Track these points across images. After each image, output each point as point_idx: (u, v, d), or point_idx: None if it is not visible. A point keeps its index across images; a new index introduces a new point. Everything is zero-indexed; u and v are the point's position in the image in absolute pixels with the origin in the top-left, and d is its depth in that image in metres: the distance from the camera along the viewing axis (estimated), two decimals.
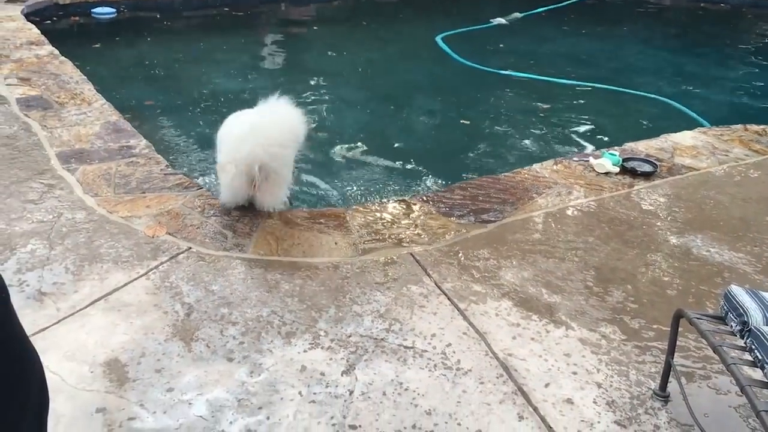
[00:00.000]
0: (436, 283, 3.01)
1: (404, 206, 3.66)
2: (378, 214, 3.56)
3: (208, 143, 4.84)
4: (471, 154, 4.87)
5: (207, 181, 4.16)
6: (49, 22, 7.13)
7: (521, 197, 3.80)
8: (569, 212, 3.68)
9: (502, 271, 3.13)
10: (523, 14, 8.72)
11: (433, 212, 3.61)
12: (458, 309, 2.85)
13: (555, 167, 4.18)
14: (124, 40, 7.06)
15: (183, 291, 2.86)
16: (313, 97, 5.81)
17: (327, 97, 5.81)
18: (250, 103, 5.49)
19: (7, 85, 4.90)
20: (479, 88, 6.18)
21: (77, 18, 7.44)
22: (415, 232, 3.41)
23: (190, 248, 3.17)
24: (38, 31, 6.19)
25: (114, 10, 7.61)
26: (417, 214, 3.57)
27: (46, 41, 5.95)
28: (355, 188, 4.29)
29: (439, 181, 4.40)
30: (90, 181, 3.69)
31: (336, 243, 3.28)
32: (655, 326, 2.78)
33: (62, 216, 3.34)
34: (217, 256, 3.12)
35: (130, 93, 5.63)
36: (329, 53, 7.19)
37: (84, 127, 4.32)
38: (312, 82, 6.13)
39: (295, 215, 3.51)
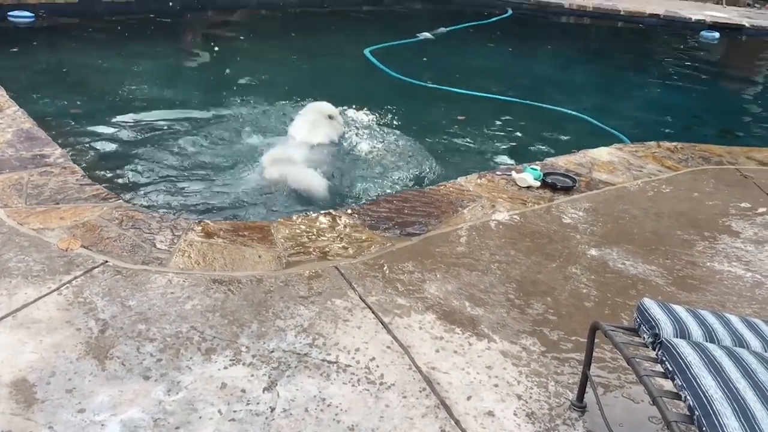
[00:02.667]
0: (360, 297, 3.00)
1: (330, 219, 3.65)
2: (303, 227, 3.53)
3: (127, 152, 4.72)
4: (397, 167, 4.89)
5: (125, 192, 4.02)
6: None
7: (446, 210, 3.84)
8: (492, 225, 3.74)
9: (426, 284, 3.15)
10: (448, 29, 8.86)
11: (359, 225, 3.60)
12: (382, 323, 2.85)
13: (479, 181, 4.25)
14: (42, 45, 6.79)
15: (98, 306, 2.75)
16: (236, 108, 5.73)
17: (252, 109, 5.74)
18: (173, 112, 5.43)
19: None
20: (406, 101, 6.24)
21: None
22: (341, 245, 3.39)
23: (107, 262, 3.06)
24: None
25: (32, 14, 7.30)
26: (342, 227, 3.56)
27: None
28: (279, 201, 4.23)
29: (366, 194, 4.40)
30: (0, 192, 3.52)
31: (260, 256, 3.23)
32: (573, 338, 2.85)
33: None
34: (135, 270, 3.02)
35: (48, 100, 5.42)
36: (255, 63, 7.13)
37: None
38: (237, 92, 6.06)
39: (218, 228, 3.44)
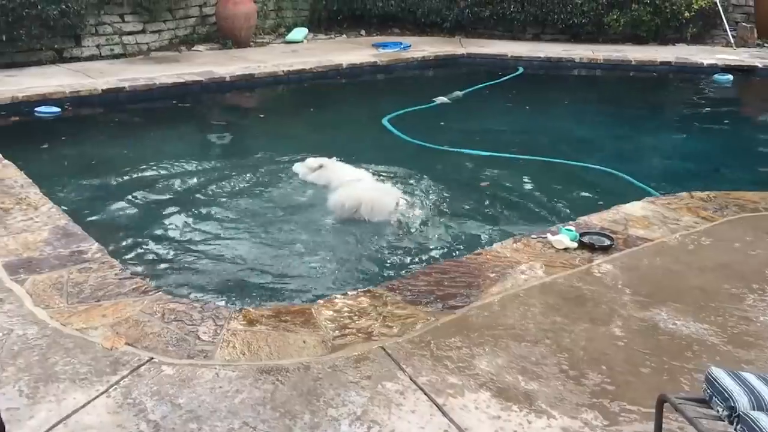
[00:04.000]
0: (411, 378, 2.94)
1: (370, 297, 3.61)
2: (345, 307, 3.49)
3: (162, 240, 4.75)
4: (429, 236, 4.87)
5: (164, 282, 4.03)
6: None
7: (486, 279, 3.79)
8: (534, 292, 3.68)
9: (476, 359, 3.09)
10: (464, 92, 8.97)
11: (400, 301, 3.56)
12: (436, 404, 2.78)
13: (515, 246, 4.21)
14: (70, 138, 6.93)
15: (147, 407, 2.71)
16: (262, 187, 5.77)
17: (277, 187, 5.78)
18: (200, 196, 5.48)
19: None
20: (428, 168, 6.23)
21: (18, 118, 7.30)
22: (384, 323, 3.35)
23: (152, 358, 3.03)
24: None
25: (58, 108, 7.48)
26: (383, 305, 3.52)
27: None
28: (316, 280, 4.21)
29: (401, 267, 4.37)
30: (41, 292, 3.53)
31: (304, 341, 3.19)
32: (635, 408, 2.75)
33: (12, 333, 3.17)
34: (181, 365, 2.99)
35: (79, 193, 5.50)
36: (276, 140, 7.21)
37: (31, 234, 4.17)
38: (262, 170, 6.10)
39: (259, 314, 3.41)
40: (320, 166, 5.74)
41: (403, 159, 6.45)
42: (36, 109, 7.45)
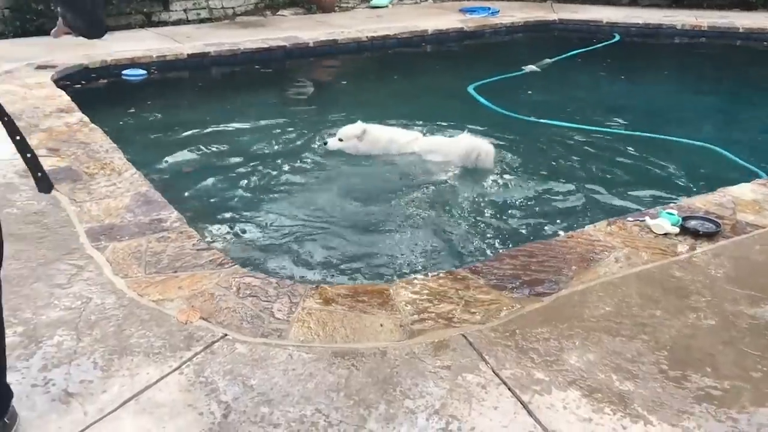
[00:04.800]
0: (493, 371, 2.75)
1: (451, 279, 3.41)
2: (424, 289, 3.31)
3: (239, 210, 4.68)
4: (514, 215, 4.61)
5: (240, 254, 3.95)
6: (79, 86, 7.10)
7: (577, 265, 3.53)
8: (631, 281, 3.40)
9: (565, 353, 2.86)
10: (554, 59, 8.53)
11: (483, 285, 3.35)
12: (521, 402, 2.58)
13: (609, 229, 3.91)
14: (155, 103, 7.00)
15: (219, 387, 2.63)
16: (342, 158, 5.63)
17: (358, 157, 5.63)
18: (282, 165, 5.39)
19: None
20: (515, 140, 5.96)
21: (107, 81, 7.42)
22: (466, 309, 3.15)
23: (226, 335, 2.95)
24: (68, 98, 6.14)
25: (144, 71, 7.57)
26: (465, 288, 3.32)
27: (76, 108, 5.88)
28: (395, 259, 4.05)
29: (485, 249, 4.15)
30: (120, 260, 3.51)
31: (381, 324, 3.03)
32: (743, 417, 2.48)
33: (91, 301, 3.15)
34: (255, 344, 2.89)
35: (161, 159, 5.51)
36: (358, 108, 7.05)
37: (114, 200, 4.18)
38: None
39: (335, 293, 3.28)
40: (364, 132, 5.55)
41: (488, 129, 6.16)
42: (123, 72, 7.55)
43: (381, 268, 3.92)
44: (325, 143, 5.64)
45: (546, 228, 4.36)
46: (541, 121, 6.41)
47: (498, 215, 4.64)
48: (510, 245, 4.09)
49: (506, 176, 5.24)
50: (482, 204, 4.79)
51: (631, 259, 3.59)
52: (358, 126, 5.59)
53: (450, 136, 5.79)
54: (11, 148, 4.57)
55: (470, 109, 6.96)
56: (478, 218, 4.59)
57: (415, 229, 4.44)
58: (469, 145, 5.37)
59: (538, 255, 3.64)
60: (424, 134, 5.88)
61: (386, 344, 2.91)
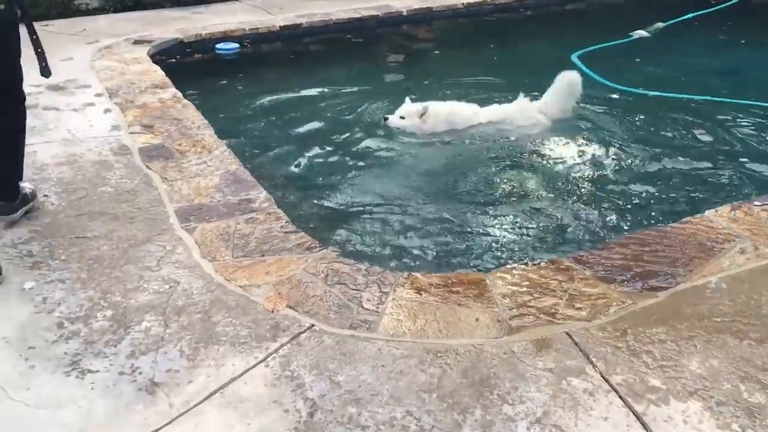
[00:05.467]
0: (602, 375, 2.49)
1: (554, 269, 3.15)
2: (524, 280, 3.06)
3: (327, 192, 4.53)
4: (624, 197, 4.24)
5: (328, 238, 3.80)
6: (173, 60, 7.14)
7: (696, 255, 3.18)
8: (760, 275, 3.03)
9: (684, 358, 2.56)
10: (666, 23, 7.90)
11: (590, 277, 3.07)
12: (634, 413, 2.32)
13: (733, 214, 3.52)
14: (247, 75, 6.93)
15: (305, 382, 2.50)
16: (436, 137, 5.37)
17: (452, 132, 5.36)
18: (371, 140, 5.21)
19: (130, 133, 4.82)
20: (625, 113, 5.51)
21: (201, 55, 7.43)
22: (570, 303, 2.89)
23: (313, 326, 2.82)
24: (163, 74, 6.16)
25: (237, 45, 7.53)
26: (570, 280, 3.05)
27: (170, 84, 5.90)
28: (492, 245, 3.80)
29: (591, 236, 3.83)
30: (208, 242, 3.44)
31: (477, 319, 2.82)
32: None
33: (179, 285, 3.09)
34: (343, 336, 2.75)
35: (251, 135, 5.44)
36: (454, 79, 6.75)
37: (204, 179, 4.12)
38: None
39: (428, 282, 3.08)
40: (426, 109, 5.29)
41: (593, 102, 5.76)
42: (217, 46, 7.54)
43: (474, 255, 3.69)
44: (386, 119, 5.40)
45: (659, 212, 3.98)
46: (651, 93, 5.91)
47: (602, 197, 4.29)
48: (618, 232, 3.77)
49: (611, 153, 4.85)
50: (582, 183, 4.45)
51: (760, 249, 3.21)
52: (420, 104, 5.36)
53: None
54: (107, 127, 4.56)
55: None
56: (579, 200, 4.26)
57: (508, 211, 4.17)
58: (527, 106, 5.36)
59: (651, 243, 3.31)
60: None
61: (482, 341, 2.70)
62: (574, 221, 3.98)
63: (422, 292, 3.00)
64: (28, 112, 4.94)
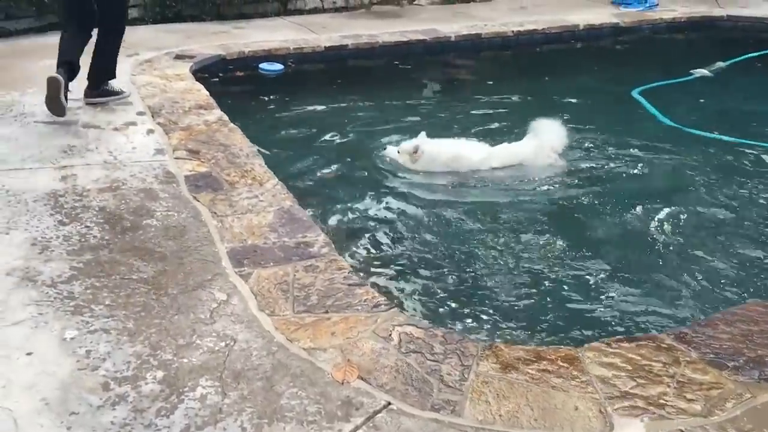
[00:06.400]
0: None
1: (653, 347, 2.81)
2: (623, 360, 2.72)
3: (387, 232, 4.22)
4: (715, 260, 3.89)
5: (393, 290, 3.49)
6: (216, 79, 6.89)
7: None
8: None
9: None
10: (727, 63, 7.58)
11: (697, 360, 2.73)
12: None
13: None
14: (292, 98, 6.64)
15: None
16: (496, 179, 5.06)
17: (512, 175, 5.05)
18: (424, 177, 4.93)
19: (175, 158, 4.54)
20: (697, 160, 5.17)
21: (244, 74, 7.18)
22: (680, 393, 2.55)
23: (389, 404, 2.49)
24: (207, 93, 5.90)
25: (282, 66, 7.26)
26: (676, 363, 2.71)
27: (215, 104, 5.63)
28: (575, 307, 3.46)
29: (687, 304, 3.48)
30: (265, 293, 3.13)
31: (576, 408, 2.48)
32: None
33: (236, 344, 2.79)
34: (425, 420, 2.42)
35: (301, 163, 5.16)
36: (508, 112, 6.44)
37: (256, 216, 3.83)
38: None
39: (513, 356, 2.75)
40: (416, 148, 5.04)
41: (657, 144, 5.44)
42: (260, 66, 7.28)
43: (555, 319, 3.35)
44: (384, 149, 5.23)
45: (763, 283, 3.62)
46: (725, 138, 5.56)
47: (694, 258, 3.92)
48: (715, 303, 3.41)
49: (689, 204, 4.51)
50: (669, 241, 4.10)
51: None
52: (413, 142, 5.12)
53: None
54: (151, 150, 4.21)
55: (633, 118, 6.21)
56: (666, 262, 3.90)
57: (588, 268, 3.83)
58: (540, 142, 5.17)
59: (759, 322, 2.96)
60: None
61: None
62: (663, 287, 3.63)
63: (509, 369, 2.67)
64: (67, 129, 4.70)
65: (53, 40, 7.57)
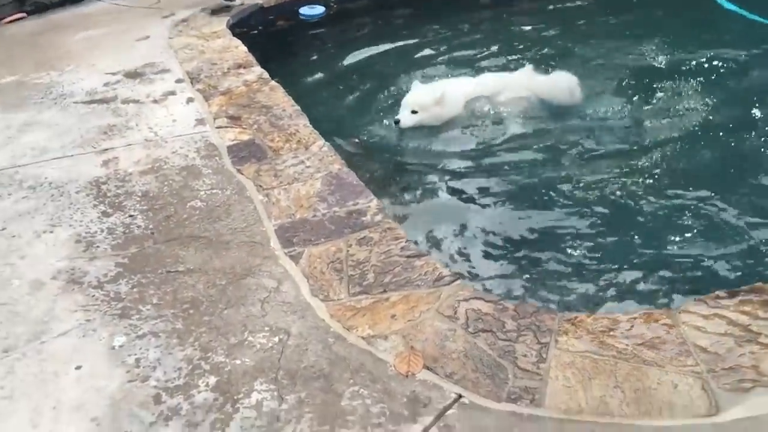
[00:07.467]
0: None
1: (760, 302, 2.44)
2: (725, 321, 2.38)
3: (445, 195, 3.88)
4: None
5: (456, 260, 3.19)
6: (255, 32, 6.55)
7: None
8: None
9: None
10: None
11: None
12: None
13: None
14: (335, 44, 6.27)
15: None
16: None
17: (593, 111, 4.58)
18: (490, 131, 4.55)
19: (217, 128, 4.31)
20: None
21: (284, 22, 6.81)
22: None
23: (461, 397, 2.25)
24: (245, 50, 5.60)
25: (323, 7, 6.83)
26: None
27: (254, 61, 5.33)
28: (660, 260, 3.08)
29: None
30: (318, 274, 2.90)
31: (676, 386, 2.17)
32: None
33: (290, 338, 2.58)
34: (501, 414, 2.17)
35: (346, 120, 4.84)
36: (578, 31, 5.86)
37: (303, 185, 3.57)
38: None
39: (597, 326, 2.44)
40: (442, 96, 4.54)
41: (741, 46, 4.84)
42: (300, 10, 6.89)
43: (636, 281, 2.97)
44: (397, 122, 4.60)
45: None
46: None
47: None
48: None
49: None
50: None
51: None
52: (433, 90, 4.63)
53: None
54: (191, 121, 3.88)
55: (714, 20, 5.55)
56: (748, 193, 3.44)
57: (655, 215, 3.43)
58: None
59: None
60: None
61: (689, 422, 2.05)
62: (747, 226, 3.20)
63: (593, 343, 2.37)
64: (107, 107, 4.55)
65: (89, 9, 7.47)
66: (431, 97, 4.57)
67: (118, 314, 2.81)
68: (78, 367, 2.55)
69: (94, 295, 2.93)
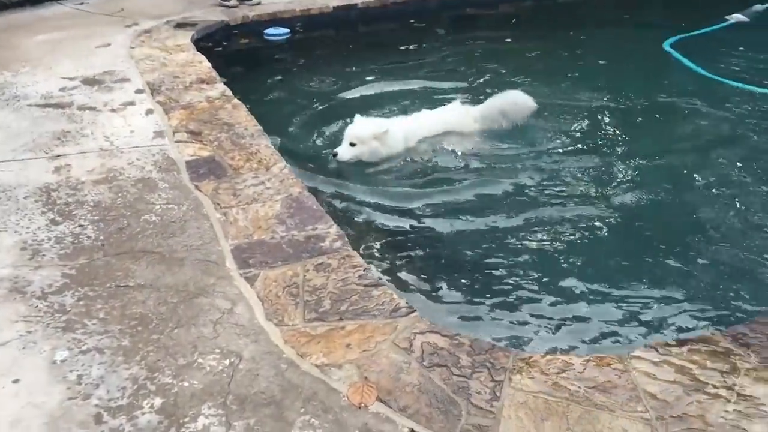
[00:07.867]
0: None
1: (707, 352, 2.50)
2: (674, 370, 2.42)
3: (404, 225, 3.89)
4: (754, 243, 3.54)
5: (413, 291, 3.19)
6: (219, 48, 6.52)
7: None
8: None
9: None
10: (766, 5, 7.04)
11: (759, 367, 2.42)
12: None
13: None
14: (299, 66, 6.29)
15: None
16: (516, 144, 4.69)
17: (549, 139, 4.67)
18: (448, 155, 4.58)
19: (176, 142, 4.24)
20: (736, 113, 4.79)
21: (248, 41, 6.79)
22: (742, 413, 2.25)
23: None
24: (209, 65, 5.55)
25: (288, 30, 6.86)
26: (734, 371, 2.40)
27: (217, 78, 5.28)
28: (605, 306, 3.13)
29: (731, 300, 3.13)
30: (273, 298, 2.85)
31: (626, 431, 2.19)
32: None
33: (241, 362, 2.52)
34: None
35: (308, 141, 4.84)
36: (529, 70, 6.03)
37: (263, 206, 3.53)
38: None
39: (550, 367, 2.46)
40: (386, 132, 4.49)
41: (693, 98, 5.04)
42: (266, 31, 6.89)
43: (590, 322, 3.02)
44: (334, 155, 4.48)
45: None
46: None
47: (746, 246, 3.56)
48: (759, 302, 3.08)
49: (723, 167, 4.13)
50: (718, 227, 3.72)
51: None
52: (376, 125, 4.55)
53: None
54: (150, 133, 3.82)
55: (665, 72, 5.78)
56: (714, 251, 3.53)
57: (613, 256, 3.50)
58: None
59: None
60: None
61: None
62: (701, 273, 3.30)
63: (546, 384, 2.39)
64: (62, 112, 4.45)
65: (49, 12, 7.31)
66: (371, 131, 4.47)
67: (62, 327, 2.70)
68: (16, 381, 2.45)
69: (37, 306, 2.82)
